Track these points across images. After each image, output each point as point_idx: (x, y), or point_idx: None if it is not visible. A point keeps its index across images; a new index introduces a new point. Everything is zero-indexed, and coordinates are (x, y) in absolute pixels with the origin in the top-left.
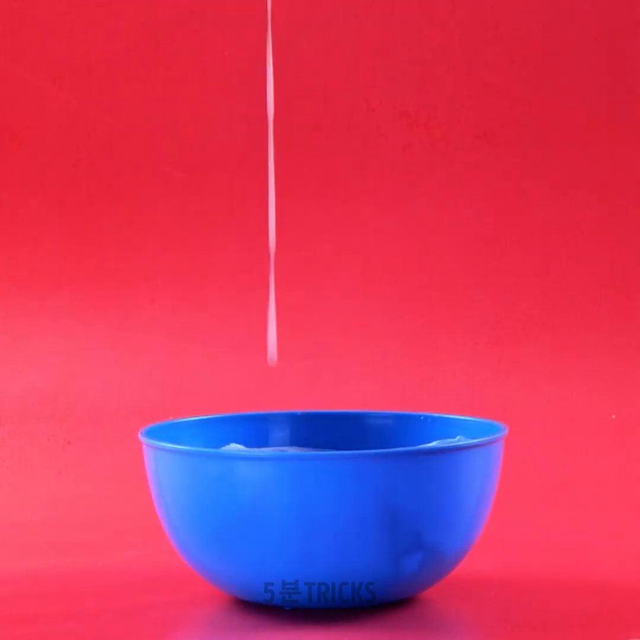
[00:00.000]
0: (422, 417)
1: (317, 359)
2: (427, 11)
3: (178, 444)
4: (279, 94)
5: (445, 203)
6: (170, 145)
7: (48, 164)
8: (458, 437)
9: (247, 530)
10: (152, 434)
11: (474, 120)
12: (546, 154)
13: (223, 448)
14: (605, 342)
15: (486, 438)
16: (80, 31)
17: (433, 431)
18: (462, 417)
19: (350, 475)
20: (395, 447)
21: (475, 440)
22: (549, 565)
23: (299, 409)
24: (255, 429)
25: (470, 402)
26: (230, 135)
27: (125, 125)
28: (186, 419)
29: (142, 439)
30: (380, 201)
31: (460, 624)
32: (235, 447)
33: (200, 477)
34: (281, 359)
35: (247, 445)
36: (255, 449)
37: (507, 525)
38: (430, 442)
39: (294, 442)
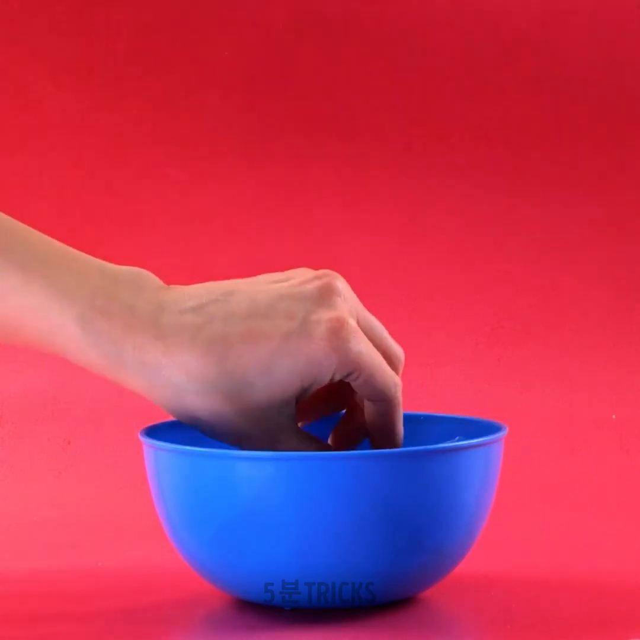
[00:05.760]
0: (422, 417)
1: None
2: (427, 11)
3: (178, 444)
4: (279, 95)
5: (445, 203)
6: (170, 145)
7: (48, 164)
8: (457, 437)
9: (247, 530)
10: (152, 434)
11: (474, 120)
12: (546, 154)
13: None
14: (605, 342)
15: (486, 438)
16: (80, 31)
17: (433, 431)
18: (462, 417)
19: (350, 475)
20: None
21: (475, 440)
22: (549, 565)
23: None
24: None
25: (470, 402)
26: (230, 135)
27: (125, 125)
28: None
29: (142, 439)
30: (380, 201)
31: (460, 624)
32: None
33: (200, 477)
34: None
35: None
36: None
37: (507, 525)
38: (430, 442)
39: None
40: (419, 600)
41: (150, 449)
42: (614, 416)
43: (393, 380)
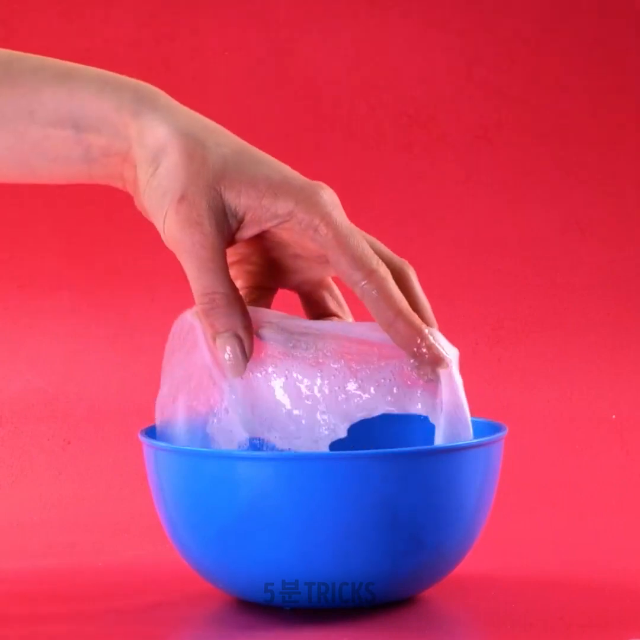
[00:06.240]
0: (422, 417)
1: None
2: (427, 11)
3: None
4: (279, 95)
5: (444, 203)
6: None
7: None
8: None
9: (247, 530)
10: (152, 434)
11: (474, 120)
12: (546, 153)
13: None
14: (605, 342)
15: (486, 438)
16: (81, 30)
17: (433, 431)
18: None
19: (351, 475)
20: (395, 447)
21: (475, 440)
22: (549, 565)
23: None
24: None
25: (470, 402)
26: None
27: None
28: None
29: (142, 439)
30: (380, 201)
31: (460, 623)
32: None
33: (200, 477)
34: None
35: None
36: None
37: (507, 525)
38: (430, 442)
39: None
40: (419, 600)
41: (150, 449)
42: (614, 416)
43: (371, 253)
